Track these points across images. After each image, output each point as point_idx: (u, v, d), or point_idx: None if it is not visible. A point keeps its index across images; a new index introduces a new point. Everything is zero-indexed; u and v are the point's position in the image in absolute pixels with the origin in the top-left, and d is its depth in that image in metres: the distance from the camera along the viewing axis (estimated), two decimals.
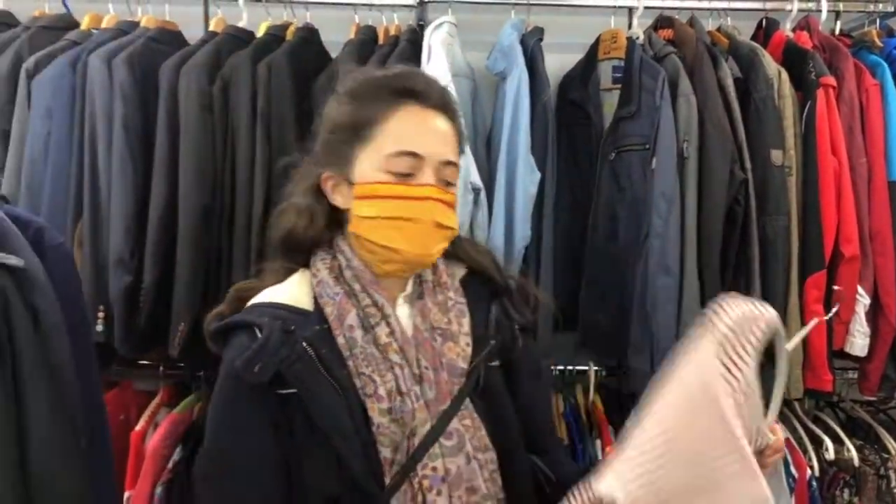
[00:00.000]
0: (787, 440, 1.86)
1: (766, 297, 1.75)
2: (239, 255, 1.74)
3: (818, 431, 1.94)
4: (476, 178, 1.75)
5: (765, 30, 2.01)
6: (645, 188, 1.84)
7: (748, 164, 1.76)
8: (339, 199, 1.00)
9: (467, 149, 1.66)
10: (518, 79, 1.78)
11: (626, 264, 1.89)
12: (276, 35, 1.91)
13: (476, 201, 1.76)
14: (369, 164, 0.96)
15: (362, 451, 0.90)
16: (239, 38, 1.89)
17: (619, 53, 1.98)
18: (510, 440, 1.00)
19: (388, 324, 0.96)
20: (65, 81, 1.75)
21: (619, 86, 1.95)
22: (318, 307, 0.97)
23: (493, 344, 1.01)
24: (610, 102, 2.01)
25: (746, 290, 1.76)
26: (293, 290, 1.00)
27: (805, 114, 1.80)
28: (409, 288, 1.02)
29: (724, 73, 1.81)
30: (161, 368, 1.96)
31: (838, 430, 1.95)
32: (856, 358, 1.88)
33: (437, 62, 1.79)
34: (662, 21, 1.97)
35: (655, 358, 1.77)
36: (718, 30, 2.00)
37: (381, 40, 1.97)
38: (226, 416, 0.95)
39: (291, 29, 1.94)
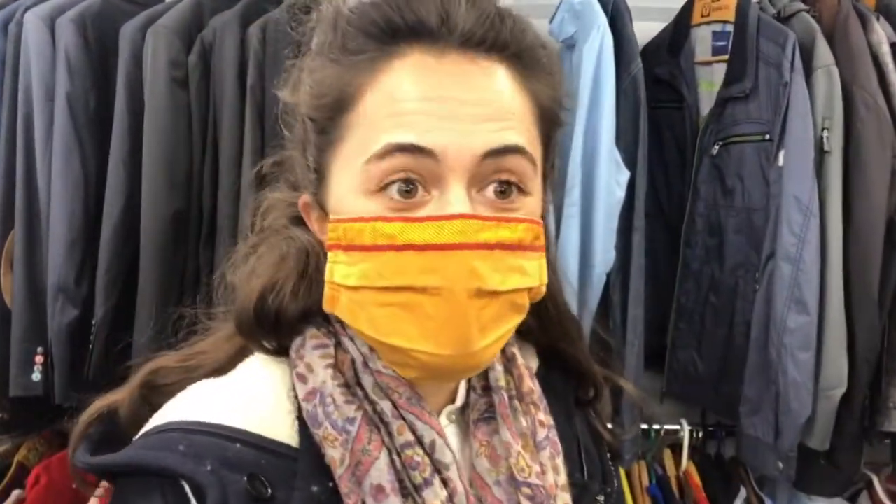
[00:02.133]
0: None
1: None
2: None
3: None
4: None
5: None
6: (765, 193, 1.43)
7: None
8: (322, 238, 0.56)
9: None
10: (599, 44, 1.35)
11: (736, 294, 1.47)
12: None
13: None
14: (345, 180, 0.52)
15: None
16: None
17: (725, 14, 1.54)
18: None
19: (446, 481, 0.51)
20: None
21: (723, 57, 1.53)
22: (309, 442, 0.52)
23: (600, 501, 0.63)
24: (708, 80, 1.60)
25: None
26: (256, 398, 0.54)
27: None
28: (460, 398, 0.58)
29: (878, 35, 1.38)
30: None
31: None
32: None
33: None
34: None
35: (782, 423, 1.33)
36: None
37: None
38: None
39: None
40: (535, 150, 0.52)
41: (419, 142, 0.47)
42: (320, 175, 0.54)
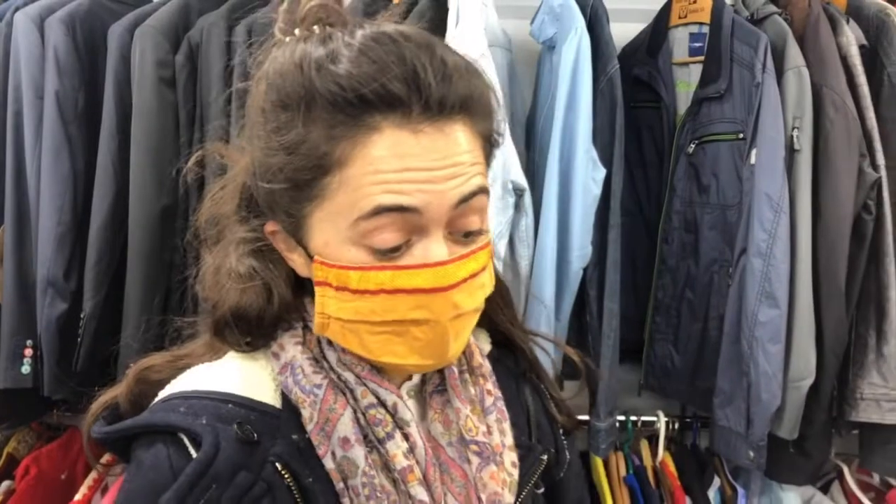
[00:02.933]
0: None
1: None
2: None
3: None
4: (519, 175, 1.34)
5: None
6: (738, 190, 1.45)
7: (881, 160, 1.37)
8: (295, 262, 0.61)
9: (507, 137, 1.25)
10: (577, 46, 1.37)
11: (711, 288, 1.49)
12: None
13: (518, 205, 1.35)
14: (331, 231, 0.56)
15: None
16: None
17: (701, 16, 1.56)
18: None
19: (407, 436, 0.60)
20: None
21: (699, 58, 1.55)
22: (290, 406, 0.60)
23: (546, 460, 0.70)
24: (685, 81, 1.62)
25: (878, 327, 1.36)
26: (244, 374, 0.62)
27: None
28: (416, 375, 0.66)
29: (847, 38, 1.40)
30: None
31: None
32: None
33: (470, 26, 1.38)
34: None
35: (753, 413, 1.35)
36: None
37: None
38: None
39: None
40: (486, 176, 0.59)
41: (406, 203, 0.54)
42: (295, 221, 0.58)
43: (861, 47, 1.40)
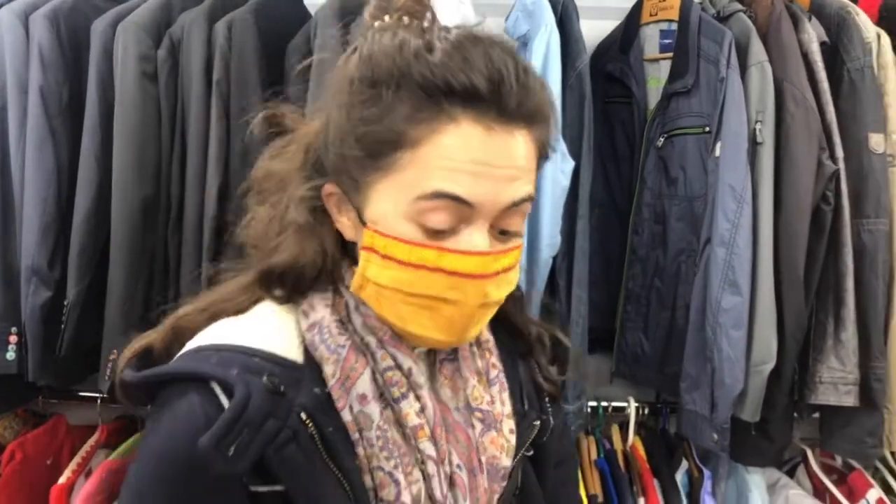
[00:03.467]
0: (880, 500, 1.49)
1: (862, 322, 1.40)
2: (189, 263, 1.39)
3: None
4: None
5: None
6: (704, 182, 1.49)
7: (840, 152, 1.41)
8: (343, 225, 0.68)
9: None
10: (546, 41, 1.41)
11: (679, 278, 1.54)
12: None
13: None
14: (390, 203, 0.62)
15: None
16: None
17: (671, 14, 1.61)
18: None
19: (419, 397, 0.66)
20: None
21: (669, 55, 1.60)
22: (312, 361, 0.65)
23: (536, 426, 0.77)
24: (655, 77, 1.67)
25: (836, 314, 1.40)
26: (269, 332, 0.66)
27: None
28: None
29: (808, 35, 1.44)
30: (99, 401, 1.60)
31: None
32: None
33: (445, 22, 1.41)
34: None
35: (717, 397, 1.40)
36: None
37: None
38: (153, 495, 0.61)
39: None
40: (533, 188, 0.64)
41: (464, 195, 0.59)
42: (358, 187, 0.63)
43: (822, 44, 1.45)
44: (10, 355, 1.38)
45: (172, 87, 1.42)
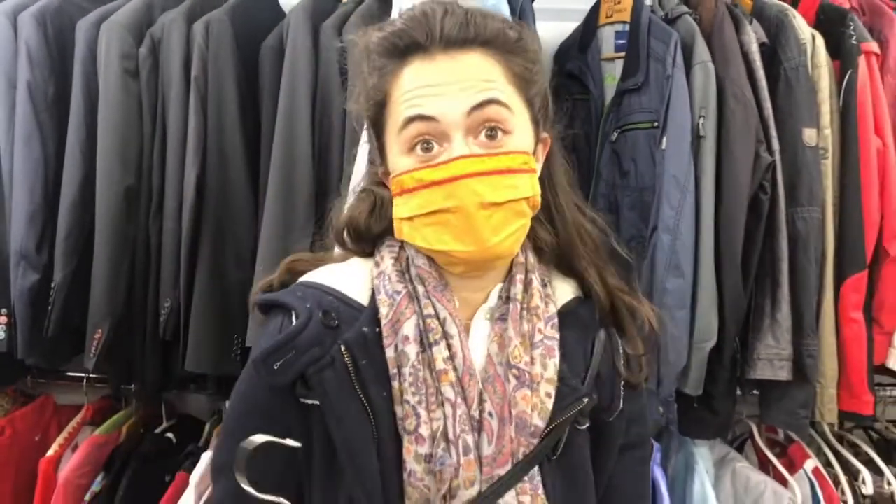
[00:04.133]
0: (815, 470, 1.60)
1: (796, 302, 1.50)
2: (168, 249, 1.49)
3: (851, 458, 1.67)
4: None
5: None
6: (653, 173, 1.58)
7: (776, 145, 1.50)
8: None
9: None
10: None
11: (629, 263, 1.63)
12: None
13: None
14: (393, 150, 0.77)
15: (382, 500, 0.73)
16: None
17: (624, 16, 1.70)
18: None
19: (450, 345, 0.75)
20: None
21: (623, 54, 1.68)
22: (374, 305, 0.78)
23: (587, 403, 0.79)
24: (612, 74, 1.76)
25: (773, 295, 1.50)
26: (350, 277, 0.82)
27: (843, 86, 1.54)
28: (493, 300, 0.81)
29: (749, 37, 1.54)
30: (86, 380, 1.69)
31: (874, 455, 1.68)
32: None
33: None
34: None
35: (662, 373, 1.50)
36: None
37: None
38: (236, 411, 0.81)
39: None
40: (513, 102, 0.75)
41: (424, 112, 0.73)
42: (382, 151, 0.80)
43: (763, 45, 1.54)
44: (0, 335, 1.47)
45: (153, 83, 1.51)
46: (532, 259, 0.83)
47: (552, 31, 1.83)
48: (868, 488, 1.59)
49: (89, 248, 1.48)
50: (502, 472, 0.74)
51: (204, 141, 1.47)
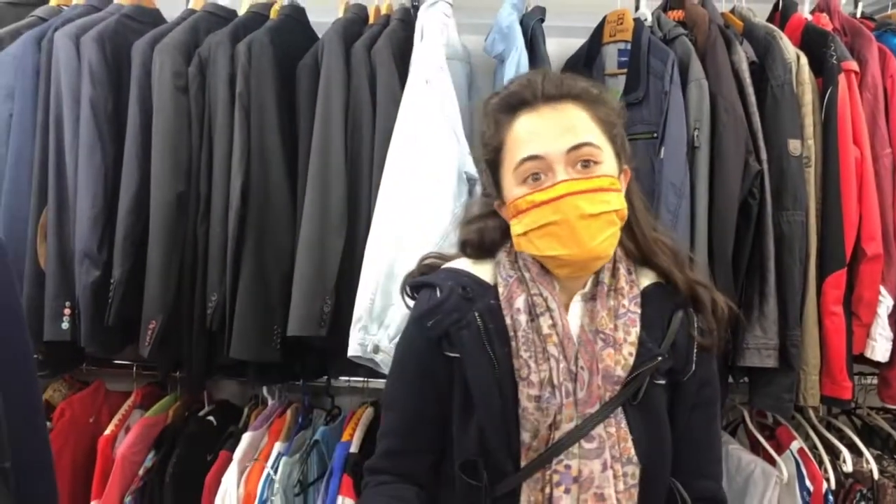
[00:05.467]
0: (801, 450, 1.75)
1: (782, 297, 1.64)
2: (215, 248, 1.63)
3: (834, 441, 1.82)
4: (472, 167, 1.62)
5: (782, 11, 1.88)
6: (651, 180, 1.72)
7: (764, 155, 1.64)
8: (506, 217, 1.04)
9: (462, 137, 1.57)
10: (517, 61, 1.66)
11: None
12: (259, 13, 1.80)
13: (471, 192, 1.65)
14: (509, 183, 1.00)
15: (504, 428, 0.97)
16: (219, 16, 1.79)
17: (626, 36, 1.85)
18: (657, 460, 1.01)
19: (552, 316, 0.99)
20: (28, 60, 1.64)
21: (626, 70, 1.83)
22: (496, 285, 1.03)
23: (659, 361, 1.00)
24: (615, 89, 1.89)
25: (761, 290, 1.65)
26: (479, 266, 1.07)
27: (825, 101, 1.68)
28: (588, 287, 1.04)
29: (739, 56, 1.68)
30: (135, 368, 1.85)
31: (855, 439, 1.83)
32: (875, 363, 1.75)
33: (430, 42, 1.67)
34: (673, 1, 1.86)
35: None
36: (732, 11, 1.88)
37: (371, 20, 1.85)
38: (399, 360, 1.08)
39: (276, 7, 1.82)
40: (600, 141, 0.98)
41: (533, 152, 0.96)
42: (497, 185, 1.04)
43: (752, 63, 1.67)
44: (65, 325, 1.61)
45: (201, 99, 1.65)
46: (620, 253, 1.05)
47: (560, 47, 1.97)
48: (848, 466, 1.73)
49: (144, 248, 1.61)
50: (592, 411, 0.96)
51: (248, 151, 1.60)
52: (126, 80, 1.65)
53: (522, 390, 0.97)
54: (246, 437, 1.70)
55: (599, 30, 1.92)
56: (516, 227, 0.99)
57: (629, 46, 1.83)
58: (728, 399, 1.79)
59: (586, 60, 1.93)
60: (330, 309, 1.55)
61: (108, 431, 1.70)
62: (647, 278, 1.07)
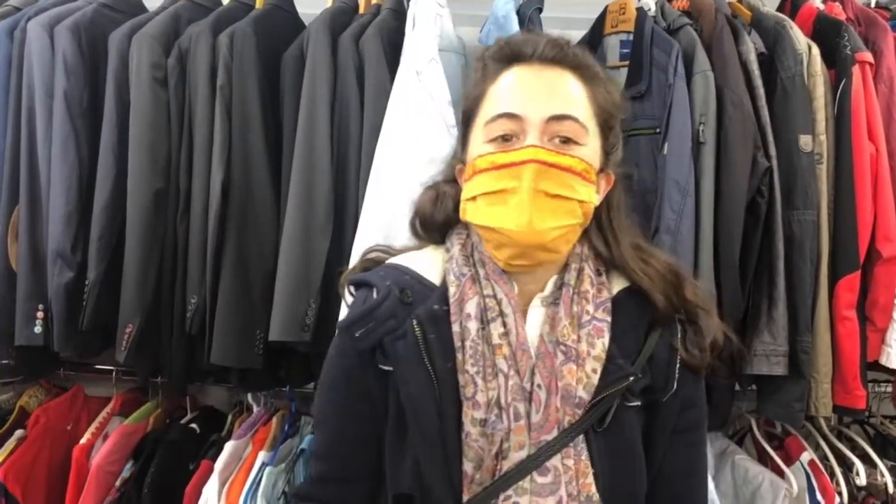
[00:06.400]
0: (811, 462, 1.67)
1: (792, 301, 1.56)
2: (195, 248, 1.56)
3: (846, 451, 1.73)
4: None
5: (792, 0, 1.79)
6: (655, 177, 1.64)
7: (773, 151, 1.56)
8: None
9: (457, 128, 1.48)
10: None
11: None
12: (244, 2, 1.73)
13: None
14: (476, 141, 0.88)
15: (443, 457, 0.83)
16: (202, 5, 1.72)
17: (628, 26, 1.77)
18: (623, 500, 0.86)
19: (505, 322, 0.85)
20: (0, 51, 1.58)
21: (627, 63, 1.75)
22: (445, 285, 0.89)
23: (631, 380, 0.85)
24: (617, 82, 1.81)
25: (769, 294, 1.57)
26: (425, 260, 0.94)
27: (838, 94, 1.60)
28: (549, 289, 0.90)
29: (747, 47, 1.60)
30: (115, 373, 1.78)
31: (869, 449, 1.75)
32: (890, 370, 1.67)
33: (422, 32, 1.59)
34: None
35: None
36: (740, 0, 1.79)
37: (361, 10, 1.77)
38: (328, 373, 0.94)
39: None
40: (589, 124, 0.86)
41: (512, 110, 0.84)
42: (465, 141, 0.91)
43: (761, 54, 1.60)
44: (38, 329, 1.55)
45: (181, 91, 1.58)
46: (588, 251, 0.92)
47: None
48: (862, 480, 1.65)
49: (121, 248, 1.55)
50: (549, 437, 0.82)
51: (229, 146, 1.53)
52: (103, 73, 1.59)
53: (467, 412, 0.82)
54: (228, 447, 1.62)
55: (600, 20, 1.85)
56: (468, 190, 0.87)
57: (631, 37, 1.76)
58: (734, 407, 1.70)
59: None
60: (314, 312, 1.47)
61: (83, 440, 1.63)
62: (621, 283, 0.92)
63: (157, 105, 1.55)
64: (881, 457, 1.73)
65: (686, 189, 1.54)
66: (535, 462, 0.82)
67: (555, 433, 0.82)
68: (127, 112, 1.55)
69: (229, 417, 1.81)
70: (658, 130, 1.63)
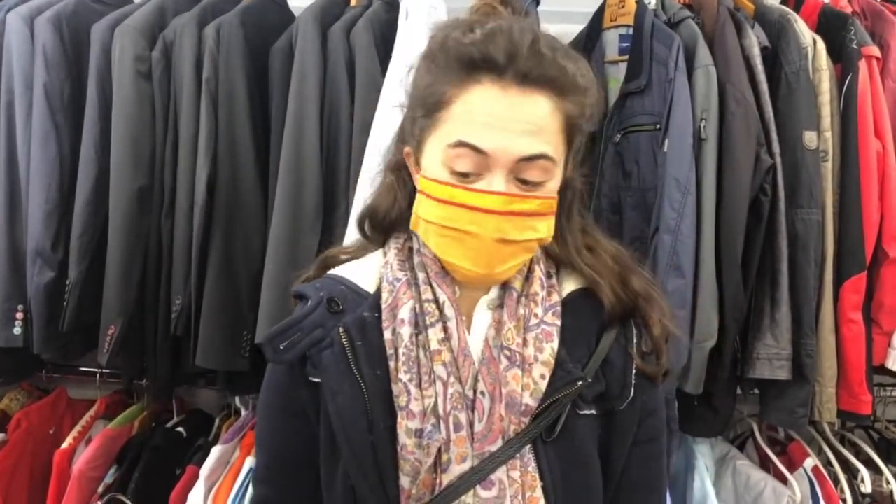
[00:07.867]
0: (815, 468, 1.62)
1: (795, 303, 1.52)
2: (180, 247, 1.53)
3: (850, 457, 1.69)
4: None
5: None
6: (655, 174, 1.60)
7: (776, 148, 1.51)
8: (416, 180, 0.84)
9: None
10: None
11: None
12: None
13: None
14: (434, 154, 0.79)
15: (375, 472, 0.78)
16: None
17: (628, 20, 1.73)
18: None
19: (446, 327, 0.80)
20: None
21: (627, 57, 1.71)
22: (379, 292, 0.84)
23: (580, 385, 0.79)
24: (616, 77, 1.78)
25: (772, 295, 1.53)
26: (363, 268, 0.88)
27: (844, 89, 1.55)
28: (494, 292, 0.85)
29: (750, 41, 1.55)
30: (99, 375, 1.73)
31: (873, 455, 1.70)
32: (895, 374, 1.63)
33: (415, 25, 1.55)
34: None
35: None
36: None
37: (353, 1, 1.72)
38: (263, 392, 0.89)
39: None
40: (558, 152, 0.77)
41: (480, 145, 0.74)
42: (419, 142, 0.81)
43: (764, 48, 1.55)
44: (17, 330, 1.51)
45: (165, 85, 1.54)
46: (538, 252, 0.85)
47: (557, 33, 1.81)
48: (867, 487, 1.60)
49: (103, 247, 1.51)
50: (493, 448, 0.77)
51: (215, 141, 1.50)
52: (85, 66, 1.55)
53: (401, 422, 0.77)
54: (215, 451, 1.57)
55: (599, 14, 1.80)
56: (421, 207, 0.80)
57: (631, 31, 1.71)
58: (735, 411, 1.65)
59: (585, 47, 1.80)
60: None
61: (65, 445, 1.59)
62: (572, 284, 0.87)
63: (140, 99, 1.51)
64: (886, 463, 1.69)
65: (687, 187, 1.50)
66: (478, 475, 0.77)
67: (499, 443, 0.77)
68: (110, 106, 1.52)
69: (217, 421, 1.77)
70: (658, 126, 1.59)
